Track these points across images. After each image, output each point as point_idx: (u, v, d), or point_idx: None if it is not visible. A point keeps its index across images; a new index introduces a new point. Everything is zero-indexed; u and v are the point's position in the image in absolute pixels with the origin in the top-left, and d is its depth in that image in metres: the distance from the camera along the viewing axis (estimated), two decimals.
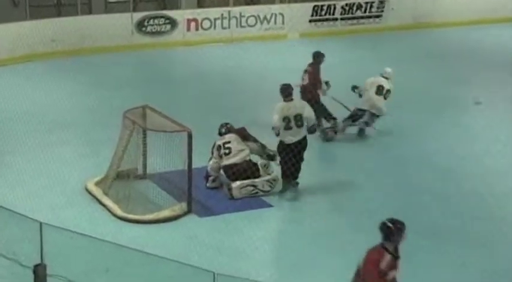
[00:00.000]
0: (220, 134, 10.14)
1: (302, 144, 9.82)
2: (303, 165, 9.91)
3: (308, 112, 9.96)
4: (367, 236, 7.08)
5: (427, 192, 10.09)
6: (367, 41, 19.25)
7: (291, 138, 9.78)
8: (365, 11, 20.79)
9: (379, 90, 12.30)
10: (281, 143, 9.83)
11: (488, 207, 9.65)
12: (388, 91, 12.32)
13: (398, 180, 10.60)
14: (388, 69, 12.60)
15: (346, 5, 20.65)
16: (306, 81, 12.29)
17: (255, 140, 10.10)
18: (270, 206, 9.55)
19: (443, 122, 13.11)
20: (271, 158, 10.05)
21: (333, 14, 20.49)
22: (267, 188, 9.82)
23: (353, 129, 12.37)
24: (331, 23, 20.43)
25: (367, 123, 12.37)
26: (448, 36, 20.34)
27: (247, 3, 20.57)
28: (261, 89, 14.87)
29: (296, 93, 10.68)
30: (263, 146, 10.07)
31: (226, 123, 10.26)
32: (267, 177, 9.87)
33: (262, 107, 13.58)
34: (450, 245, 8.55)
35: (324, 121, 12.15)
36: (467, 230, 8.95)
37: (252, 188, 9.76)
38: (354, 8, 20.73)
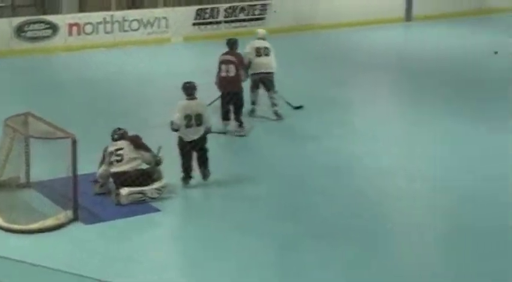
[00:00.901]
0: (113, 139, 9.97)
1: (202, 141, 10.14)
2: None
3: (207, 113, 10.31)
4: (256, 238, 7.27)
5: (316, 192, 10.25)
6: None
7: (191, 136, 10.05)
8: (248, 14, 21.02)
9: (260, 51, 13.14)
10: (181, 139, 10.08)
11: (372, 206, 9.91)
12: (267, 48, 13.20)
13: (287, 180, 10.74)
14: (260, 30, 13.83)
15: (230, 8, 20.83)
16: (233, 73, 12.41)
17: (148, 149, 9.98)
18: (158, 210, 9.49)
19: (327, 122, 13.39)
20: (158, 164, 9.98)
21: (217, 17, 20.62)
22: (155, 195, 9.75)
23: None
24: (215, 26, 20.56)
25: (274, 104, 13.16)
26: (330, 38, 20.84)
27: (130, 7, 20.41)
28: (146, 93, 14.81)
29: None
30: (154, 156, 9.98)
31: (120, 129, 10.05)
32: (156, 185, 9.81)
33: (147, 111, 13.58)
34: (340, 244, 8.70)
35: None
36: (355, 229, 9.12)
37: (140, 195, 9.68)
38: (237, 11, 20.93)
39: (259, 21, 21.03)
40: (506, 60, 18.26)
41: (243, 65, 12.72)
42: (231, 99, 12.50)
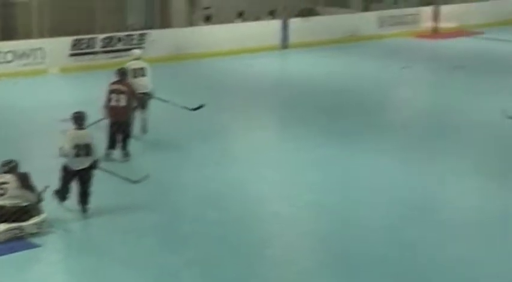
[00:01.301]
0: (3, 171, 9.65)
1: (88, 173, 10.15)
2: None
3: (93, 143, 10.27)
4: (139, 271, 7.19)
5: (198, 220, 10.30)
6: None
7: (79, 165, 10.06)
8: (126, 44, 20.93)
9: (136, 72, 13.51)
10: (66, 168, 10.08)
11: (251, 232, 10.04)
12: (143, 69, 13.64)
13: (171, 209, 10.74)
14: (136, 50, 14.60)
15: (107, 38, 20.66)
16: (124, 102, 12.36)
17: (33, 190, 9.68)
18: (38, 246, 9.29)
19: (209, 150, 13.50)
20: (40, 201, 9.75)
21: (94, 48, 20.41)
22: (34, 231, 9.53)
23: None
24: (92, 56, 20.35)
25: (145, 119, 13.68)
26: (210, 66, 21.00)
27: (4, 39, 19.92)
28: (22, 126, 14.49)
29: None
30: (38, 194, 9.72)
31: (11, 161, 9.76)
32: (35, 220, 9.58)
33: (24, 143, 13.30)
34: (222, 272, 8.78)
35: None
36: (236, 256, 9.22)
37: (17, 231, 9.43)
38: (115, 41, 20.81)
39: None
40: (375, 84, 18.95)
41: (134, 94, 12.75)
42: (118, 128, 12.47)
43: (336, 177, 12.27)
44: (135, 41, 21.09)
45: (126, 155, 12.59)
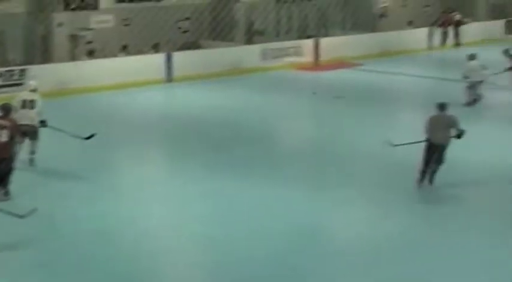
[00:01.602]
0: None
1: None
2: None
3: None
4: None
5: (87, 259, 10.20)
6: None
7: None
8: (6, 80, 20.48)
9: (25, 103, 13.72)
10: None
11: (143, 269, 9.99)
12: (34, 101, 13.81)
13: (59, 247, 10.54)
14: (32, 82, 14.70)
15: None
16: (5, 138, 12.08)
17: None
18: None
19: (97, 185, 13.37)
20: None
21: None
22: None
23: None
24: None
25: (33, 152, 13.85)
26: (94, 100, 20.79)
27: None
28: None
29: None
30: None
31: None
32: None
33: None
34: None
35: None
36: None
37: None
38: None
39: (19, 87, 20.54)
40: (260, 116, 19.25)
41: (18, 130, 12.53)
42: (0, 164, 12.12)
43: (224, 209, 12.37)
44: (15, 77, 20.65)
45: (6, 193, 12.26)
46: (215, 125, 18.43)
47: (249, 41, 28.32)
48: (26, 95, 13.98)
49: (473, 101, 20.51)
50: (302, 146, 17.02)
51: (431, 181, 13.46)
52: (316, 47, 27.46)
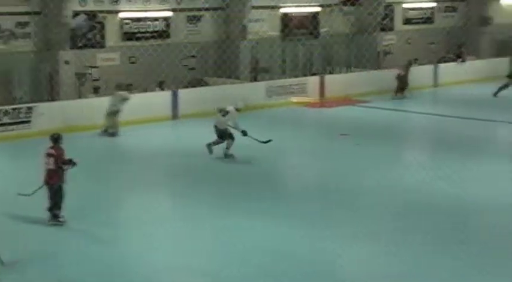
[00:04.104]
0: None
1: None
2: None
3: None
4: None
5: None
6: (16, 147, 19.16)
7: None
8: (13, 117, 20.60)
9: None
10: None
11: None
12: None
13: None
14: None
15: None
16: (52, 166, 12.82)
17: None
18: None
19: (104, 221, 13.39)
20: None
21: None
22: None
23: None
24: None
25: None
26: (101, 138, 20.90)
27: None
28: None
29: None
30: None
31: None
32: None
33: None
34: None
35: None
36: None
37: None
38: (1, 115, 20.43)
39: (26, 125, 20.68)
40: (264, 154, 19.28)
41: (63, 159, 13.09)
42: None
43: (228, 246, 12.34)
44: (22, 115, 20.77)
45: (54, 218, 13.11)
46: (220, 161, 18.44)
47: (255, 78, 28.47)
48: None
49: None
50: (307, 183, 17.00)
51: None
52: (321, 84, 27.60)
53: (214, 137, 18.50)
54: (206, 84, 26.83)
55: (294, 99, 26.50)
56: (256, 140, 18.55)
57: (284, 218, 13.82)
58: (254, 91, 25.87)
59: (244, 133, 18.41)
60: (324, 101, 27.11)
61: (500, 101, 27.65)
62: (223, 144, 18.39)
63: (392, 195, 15.34)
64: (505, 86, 27.90)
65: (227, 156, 18.35)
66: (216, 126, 18.58)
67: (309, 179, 17.40)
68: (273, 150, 19.22)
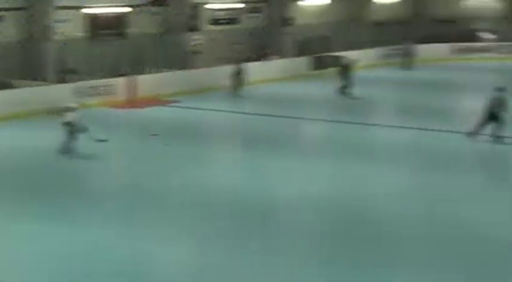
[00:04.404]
0: None
1: None
2: None
3: None
4: None
5: None
6: None
7: None
8: None
9: None
10: None
11: None
12: None
13: None
14: None
15: None
16: None
17: None
18: None
19: None
20: None
21: None
22: None
23: None
24: None
25: None
26: None
27: None
28: None
29: None
30: None
31: None
32: None
33: None
34: None
35: None
36: None
37: None
38: None
39: None
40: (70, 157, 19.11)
41: None
42: None
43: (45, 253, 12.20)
44: None
45: None
46: (22, 164, 18.04)
47: (63, 79, 27.94)
48: None
49: None
50: (118, 184, 17.04)
51: None
52: (130, 84, 27.59)
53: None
54: (12, 86, 25.98)
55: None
56: (94, 138, 18.96)
57: (95, 220, 13.83)
58: (61, 93, 25.37)
59: (85, 130, 18.81)
60: (134, 101, 27.10)
61: (305, 99, 29.02)
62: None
63: (202, 195, 15.72)
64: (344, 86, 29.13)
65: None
66: (69, 123, 18.71)
67: (120, 180, 17.46)
68: (85, 152, 19.00)
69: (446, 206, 14.94)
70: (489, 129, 20.67)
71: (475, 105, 23.32)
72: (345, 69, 29.44)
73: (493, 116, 20.67)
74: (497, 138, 20.56)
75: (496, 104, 20.75)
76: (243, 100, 28.48)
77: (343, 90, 28.95)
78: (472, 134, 20.77)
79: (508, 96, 20.98)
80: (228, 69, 29.75)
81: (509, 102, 20.90)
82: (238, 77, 29.27)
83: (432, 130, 22.27)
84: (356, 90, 28.68)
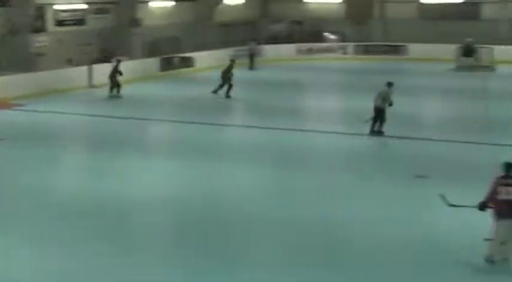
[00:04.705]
0: None
1: None
2: None
3: None
4: None
5: None
6: None
7: None
8: None
9: None
10: None
11: None
12: None
13: None
14: None
15: None
16: None
17: None
18: None
19: None
20: None
21: None
22: None
23: None
24: None
25: None
26: None
27: None
28: None
29: None
30: None
31: None
32: None
33: None
34: None
35: None
36: None
37: None
38: None
39: None
40: None
41: None
42: None
43: None
44: None
45: None
46: None
47: None
48: None
49: None
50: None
51: None
52: None
53: None
54: None
55: None
56: None
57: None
58: None
59: None
60: None
61: (155, 100, 29.02)
62: None
63: (49, 198, 15.45)
64: (221, 86, 29.13)
65: None
66: None
67: None
68: None
69: (301, 203, 15.25)
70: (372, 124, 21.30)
71: (319, 104, 24.05)
72: (227, 70, 29.61)
73: (378, 110, 21.32)
74: (377, 133, 21.22)
75: (381, 97, 21.35)
76: (92, 102, 28.12)
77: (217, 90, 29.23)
78: None
79: (393, 91, 21.58)
80: (76, 70, 29.18)
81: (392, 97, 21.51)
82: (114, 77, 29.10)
83: (280, 129, 22.76)
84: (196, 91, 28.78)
